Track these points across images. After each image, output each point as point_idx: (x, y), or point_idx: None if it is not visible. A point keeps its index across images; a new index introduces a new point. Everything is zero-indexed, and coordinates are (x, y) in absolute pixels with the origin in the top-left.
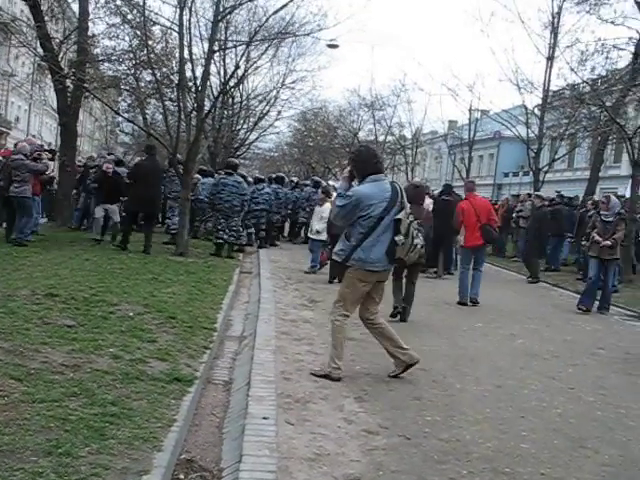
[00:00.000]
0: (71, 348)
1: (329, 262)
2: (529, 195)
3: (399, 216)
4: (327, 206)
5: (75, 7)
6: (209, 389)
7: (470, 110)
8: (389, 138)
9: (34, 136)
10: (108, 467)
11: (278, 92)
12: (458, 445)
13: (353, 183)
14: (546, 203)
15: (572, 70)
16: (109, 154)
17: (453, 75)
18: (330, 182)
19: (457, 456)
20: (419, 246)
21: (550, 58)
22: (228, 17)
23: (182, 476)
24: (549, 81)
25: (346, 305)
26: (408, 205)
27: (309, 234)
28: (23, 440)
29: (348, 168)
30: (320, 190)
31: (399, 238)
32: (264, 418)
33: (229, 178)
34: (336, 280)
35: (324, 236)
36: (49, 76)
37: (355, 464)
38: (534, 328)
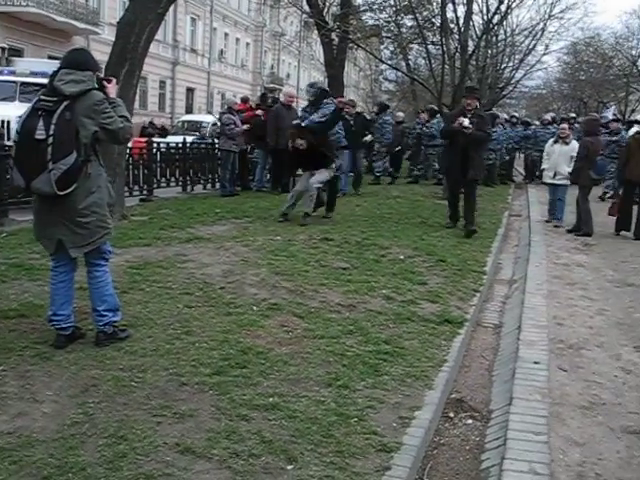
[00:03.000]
0: (346, 289)
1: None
2: None
3: None
4: (575, 145)
5: None
6: (479, 332)
7: None
8: None
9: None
10: (382, 401)
11: (545, 24)
12: None
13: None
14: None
15: None
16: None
17: None
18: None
19: None
20: None
21: None
22: None
23: (452, 414)
24: None
25: None
26: None
27: (547, 179)
28: (306, 371)
29: None
30: (565, 124)
31: None
32: (535, 363)
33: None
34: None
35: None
36: (315, 32)
37: (634, 416)
38: None
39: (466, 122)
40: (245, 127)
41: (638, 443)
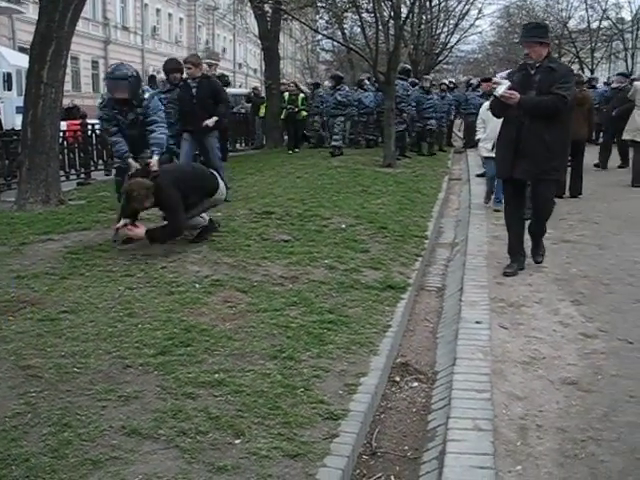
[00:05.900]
0: (289, 261)
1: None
2: None
3: None
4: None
5: None
6: (422, 295)
7: None
8: (604, 24)
9: (240, 64)
10: (328, 370)
11: None
12: None
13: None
14: None
15: None
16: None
17: None
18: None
19: None
20: None
21: None
22: None
23: (398, 378)
24: None
25: None
26: None
27: (484, 153)
28: (251, 345)
29: None
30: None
31: None
32: (477, 322)
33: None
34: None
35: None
36: (248, 4)
37: (572, 368)
38: None
39: (502, 88)
40: None
41: (575, 392)
